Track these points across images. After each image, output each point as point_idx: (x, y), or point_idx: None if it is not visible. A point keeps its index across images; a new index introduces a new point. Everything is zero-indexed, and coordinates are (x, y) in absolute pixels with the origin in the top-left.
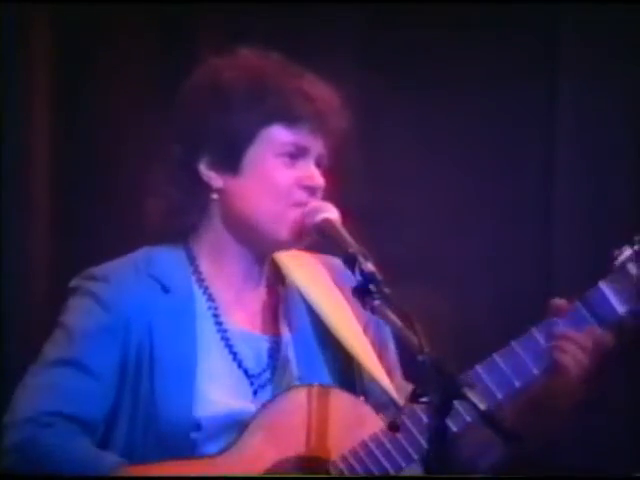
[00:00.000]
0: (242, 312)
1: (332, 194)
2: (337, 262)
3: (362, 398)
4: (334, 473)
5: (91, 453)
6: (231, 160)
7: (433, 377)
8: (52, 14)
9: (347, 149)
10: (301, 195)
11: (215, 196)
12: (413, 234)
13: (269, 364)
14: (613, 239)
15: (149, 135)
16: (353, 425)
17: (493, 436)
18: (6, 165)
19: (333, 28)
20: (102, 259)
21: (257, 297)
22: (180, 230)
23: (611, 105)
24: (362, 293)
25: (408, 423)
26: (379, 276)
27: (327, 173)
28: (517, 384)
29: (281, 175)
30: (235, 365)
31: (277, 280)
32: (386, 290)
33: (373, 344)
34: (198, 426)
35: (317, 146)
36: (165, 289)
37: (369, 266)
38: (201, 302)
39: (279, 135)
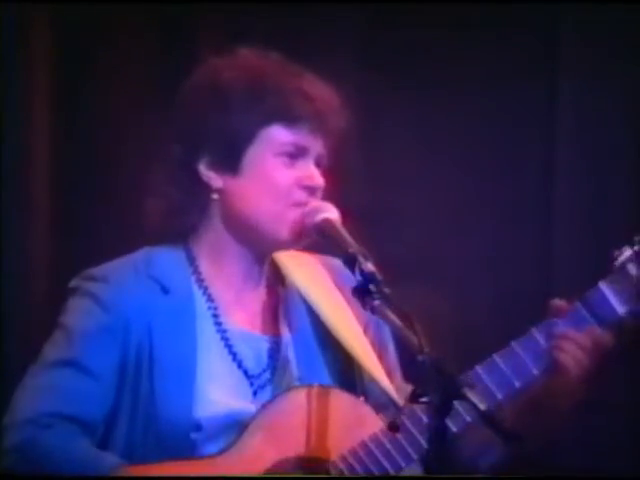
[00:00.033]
0: (242, 312)
1: (332, 194)
2: (337, 263)
3: (362, 398)
4: (334, 473)
5: (91, 454)
6: (231, 160)
7: (433, 377)
8: (52, 14)
9: (347, 149)
10: (301, 195)
11: (215, 196)
12: (413, 234)
13: (269, 364)
14: (613, 239)
15: (149, 135)
16: (353, 425)
17: (493, 436)
18: (6, 165)
19: (333, 28)
20: (102, 259)
21: (257, 297)
22: (180, 230)
23: (611, 105)
24: (362, 293)
25: (408, 423)
26: (379, 276)
27: (327, 173)
28: (517, 384)
29: (281, 175)
30: (235, 365)
31: (277, 280)
32: (386, 290)
33: (373, 345)
34: (198, 426)
35: (317, 146)
36: (165, 290)
37: (369, 266)
38: (201, 302)
39: (279, 135)
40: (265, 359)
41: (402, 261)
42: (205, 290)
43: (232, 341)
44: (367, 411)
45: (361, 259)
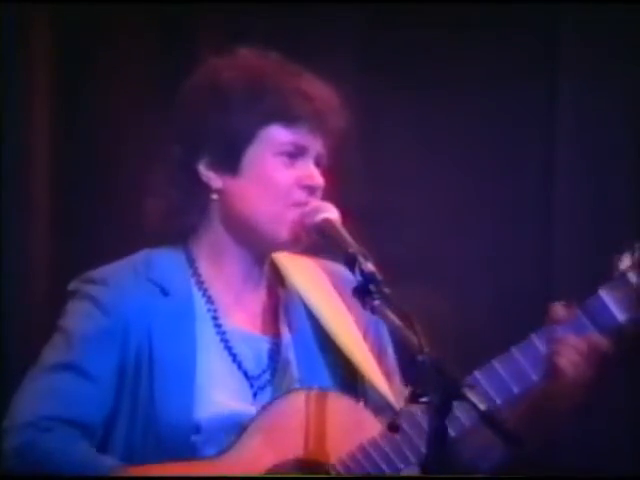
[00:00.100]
0: (242, 313)
1: (332, 194)
2: (338, 268)
3: (361, 402)
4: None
5: (90, 457)
6: (230, 160)
7: (433, 377)
8: (52, 14)
9: (347, 149)
10: (300, 195)
11: (214, 196)
12: (413, 234)
13: (269, 365)
14: (613, 239)
15: (149, 135)
16: (352, 429)
17: (493, 439)
18: (6, 165)
19: (333, 28)
20: (102, 259)
21: (257, 298)
22: (180, 231)
23: (611, 105)
24: (362, 293)
25: (407, 427)
26: (379, 276)
27: (326, 173)
28: (516, 390)
29: (280, 175)
30: (235, 366)
31: (277, 281)
32: (386, 290)
33: (372, 349)
34: (198, 428)
35: (316, 145)
36: (164, 292)
37: (369, 266)
38: (200, 304)
39: (278, 135)
40: (265, 360)
41: (402, 261)
42: (205, 291)
43: (232, 342)
44: (366, 414)
45: (361, 259)
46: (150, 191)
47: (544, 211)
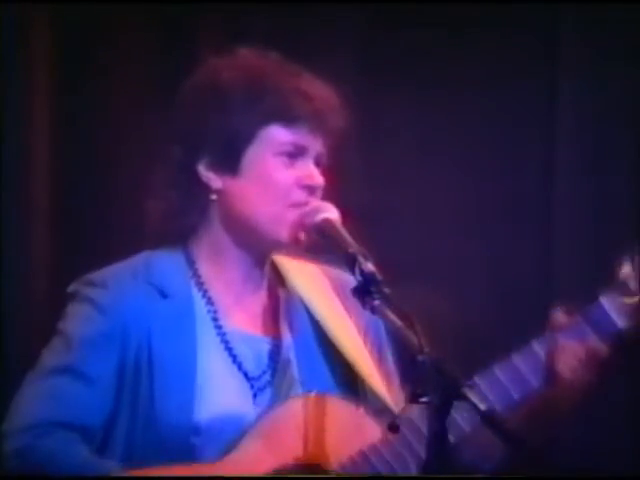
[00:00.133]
0: (242, 314)
1: (332, 194)
2: (339, 273)
3: (361, 406)
4: None
5: (90, 461)
6: (230, 161)
7: (433, 377)
8: (52, 14)
9: (347, 149)
10: (300, 195)
11: (214, 197)
12: (413, 234)
13: (269, 366)
14: (613, 239)
15: (149, 135)
16: (352, 433)
17: (494, 441)
18: (6, 165)
19: (333, 28)
20: (102, 259)
21: (257, 299)
22: (180, 232)
23: (611, 105)
24: (362, 293)
25: (406, 433)
26: (379, 276)
27: (326, 173)
28: (516, 396)
29: (280, 175)
30: (235, 367)
31: (278, 283)
32: (386, 290)
33: (371, 353)
34: (198, 429)
35: (316, 145)
36: (163, 295)
37: (369, 266)
38: (200, 305)
39: (278, 135)
40: (265, 360)
41: (402, 261)
42: (205, 293)
43: (232, 343)
44: (366, 418)
45: (361, 259)
46: (150, 192)
47: (544, 211)
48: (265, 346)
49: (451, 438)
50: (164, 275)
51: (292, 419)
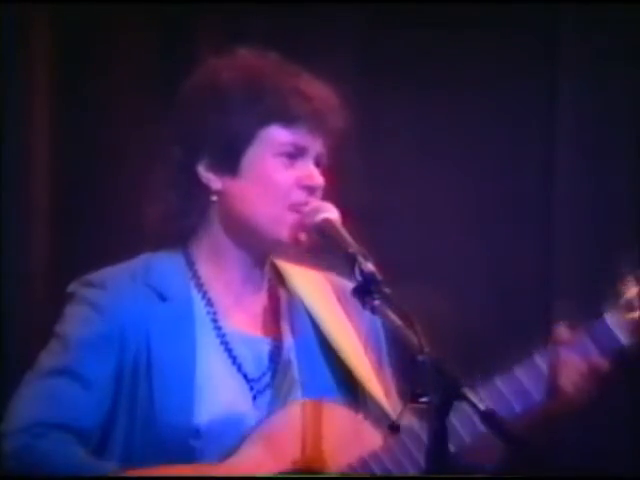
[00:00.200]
0: (242, 315)
1: (332, 194)
2: (341, 280)
3: (360, 412)
4: None
5: (87, 462)
6: (230, 161)
7: (433, 377)
8: (52, 14)
9: (346, 149)
10: (300, 195)
11: (214, 198)
12: (413, 234)
13: (269, 367)
14: (613, 239)
15: (149, 135)
16: (351, 438)
17: (495, 443)
18: (6, 165)
19: (333, 28)
20: (102, 259)
21: (257, 300)
22: (179, 233)
23: (611, 105)
24: (362, 293)
25: (406, 440)
26: (379, 276)
27: (326, 173)
28: (517, 409)
29: (280, 175)
30: (235, 369)
31: (278, 284)
32: (386, 290)
33: (371, 360)
34: (197, 431)
35: (316, 145)
36: (162, 298)
37: (369, 266)
38: (200, 307)
39: (277, 135)
40: (265, 362)
41: (402, 261)
42: (204, 294)
43: (232, 344)
44: (364, 424)
45: (361, 259)
46: (149, 193)
47: (544, 211)
48: (265, 347)
49: (451, 447)
50: (163, 277)
51: (291, 424)
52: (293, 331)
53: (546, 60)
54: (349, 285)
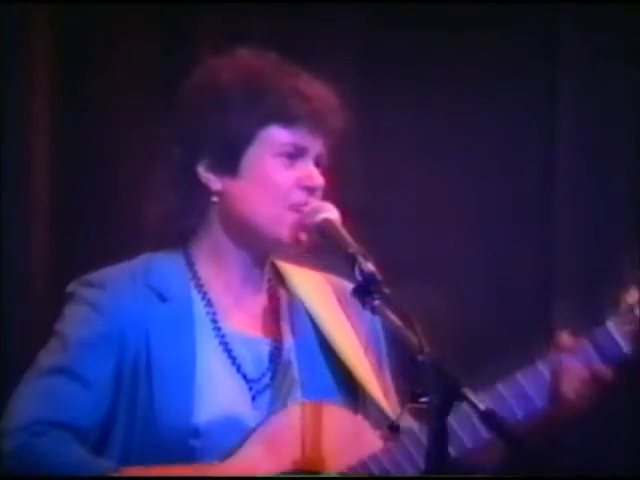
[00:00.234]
0: (242, 315)
1: (332, 194)
2: (342, 281)
3: (359, 413)
4: None
5: (86, 459)
6: (229, 162)
7: (433, 377)
8: (52, 14)
9: (346, 149)
10: (300, 195)
11: (214, 199)
12: (413, 234)
13: (269, 367)
14: (613, 239)
15: (149, 135)
16: (350, 440)
17: (496, 442)
18: (6, 165)
19: (333, 28)
20: (102, 259)
21: (258, 301)
22: (179, 234)
23: (611, 105)
24: (362, 293)
25: (407, 443)
26: (379, 276)
27: (326, 173)
28: (519, 415)
29: (280, 176)
30: (234, 369)
31: (278, 284)
32: (386, 290)
33: (371, 363)
34: (197, 432)
35: (316, 145)
36: (162, 298)
37: (369, 266)
38: (199, 307)
39: (277, 135)
40: (265, 362)
41: (402, 261)
42: (204, 294)
43: (231, 345)
44: (365, 427)
45: (361, 259)
46: (149, 193)
47: (544, 211)
48: (265, 348)
49: (453, 452)
50: (163, 278)
51: (291, 425)
52: (293, 332)
53: (546, 60)
54: (349, 286)
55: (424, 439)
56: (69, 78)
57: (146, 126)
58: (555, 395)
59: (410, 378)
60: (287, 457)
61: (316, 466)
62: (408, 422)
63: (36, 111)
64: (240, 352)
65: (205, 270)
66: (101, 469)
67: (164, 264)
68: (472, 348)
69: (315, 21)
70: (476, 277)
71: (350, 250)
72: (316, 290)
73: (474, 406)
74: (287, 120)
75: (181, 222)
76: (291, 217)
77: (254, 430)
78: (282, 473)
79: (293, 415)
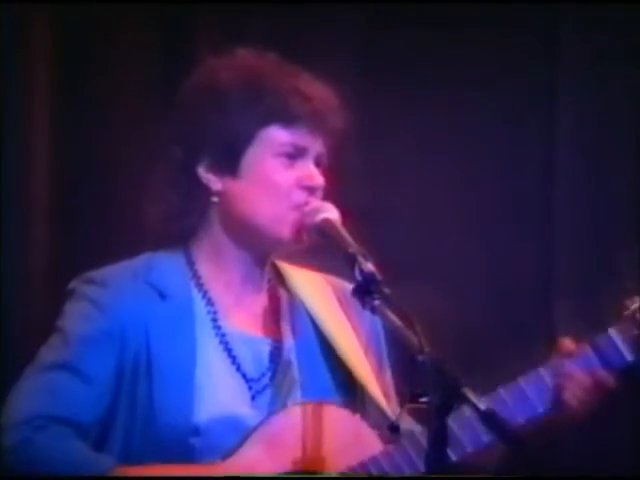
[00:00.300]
0: (242, 314)
1: (332, 194)
2: (342, 282)
3: (360, 416)
4: None
5: (86, 455)
6: (230, 162)
7: (433, 377)
8: (52, 14)
9: (346, 149)
10: (301, 195)
11: (215, 199)
12: (413, 234)
13: (269, 367)
14: (613, 239)
15: (149, 135)
16: (350, 441)
17: (496, 445)
18: (6, 165)
19: (333, 28)
20: (102, 259)
21: (258, 300)
22: (180, 233)
23: (611, 105)
24: (362, 293)
25: (407, 445)
26: (379, 276)
27: (326, 172)
28: (521, 420)
29: (280, 176)
30: (234, 369)
31: (279, 284)
32: (386, 290)
33: (371, 364)
34: (196, 431)
35: (316, 145)
36: (162, 296)
37: (369, 266)
38: (200, 306)
39: (277, 135)
40: (266, 362)
41: (402, 261)
42: (205, 293)
43: (231, 344)
44: (364, 427)
45: (361, 259)
46: (150, 193)
47: (544, 211)
48: (265, 347)
49: (453, 456)
50: (164, 276)
51: (292, 425)
52: (293, 332)
53: (546, 60)
54: (349, 287)
55: (424, 441)
56: (69, 78)
57: (146, 126)
58: (557, 401)
59: (410, 378)
60: (287, 457)
61: (316, 466)
62: (408, 424)
63: (36, 111)
64: (240, 351)
65: (205, 269)
66: (101, 465)
67: (165, 263)
68: (472, 348)
69: (315, 21)
70: (476, 277)
71: (350, 250)
72: (316, 290)
73: (474, 406)
74: (287, 120)
75: (181, 222)
76: (291, 217)
77: (254, 430)
78: (282, 473)
79: (293, 415)
